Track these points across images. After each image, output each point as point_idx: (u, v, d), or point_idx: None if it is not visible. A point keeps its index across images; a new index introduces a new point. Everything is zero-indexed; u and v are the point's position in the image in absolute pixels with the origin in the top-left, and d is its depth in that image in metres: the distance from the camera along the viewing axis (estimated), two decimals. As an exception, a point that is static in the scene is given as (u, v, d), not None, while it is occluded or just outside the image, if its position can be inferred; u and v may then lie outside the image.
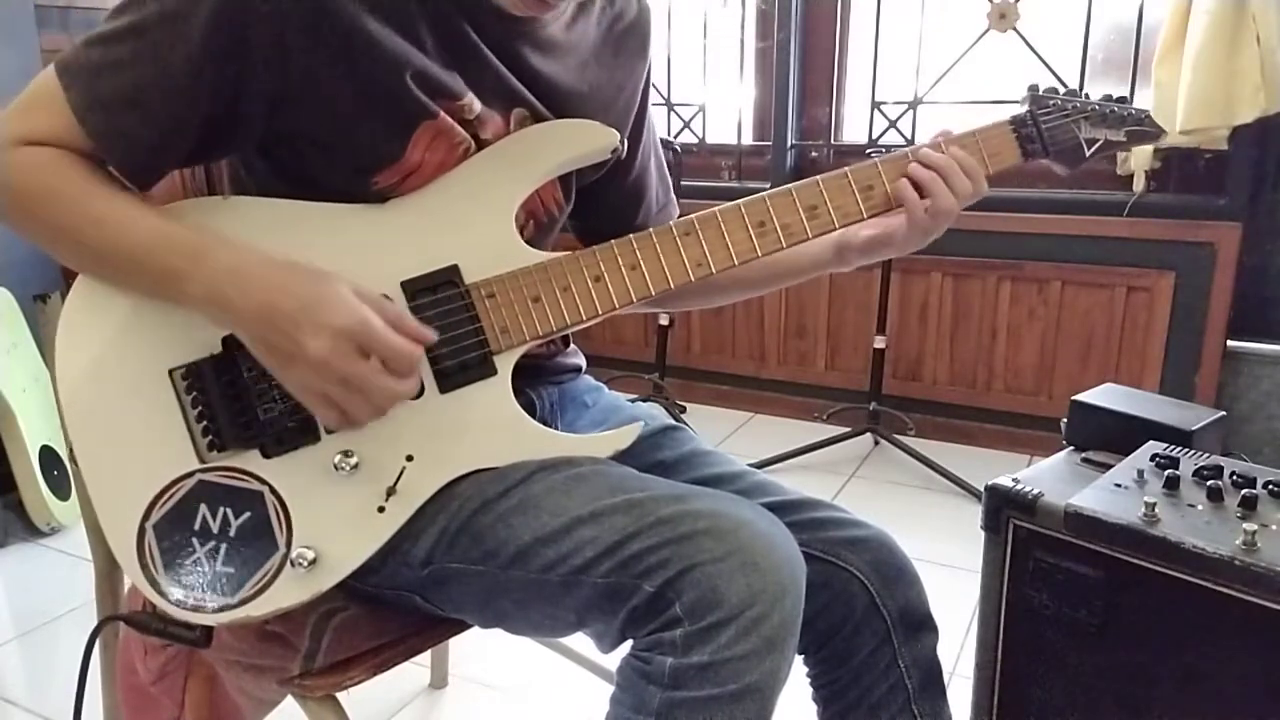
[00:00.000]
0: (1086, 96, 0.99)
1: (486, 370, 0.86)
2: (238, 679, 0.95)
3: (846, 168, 0.92)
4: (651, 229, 0.89)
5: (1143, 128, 1.00)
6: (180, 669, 0.98)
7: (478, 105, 0.86)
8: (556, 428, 1.01)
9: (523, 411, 0.87)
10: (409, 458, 0.84)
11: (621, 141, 0.95)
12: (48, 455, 2.18)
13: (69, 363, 0.82)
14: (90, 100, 0.76)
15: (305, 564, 0.80)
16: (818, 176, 0.91)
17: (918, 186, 0.90)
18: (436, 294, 0.84)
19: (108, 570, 1.05)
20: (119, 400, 0.82)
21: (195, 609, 0.81)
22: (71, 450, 0.83)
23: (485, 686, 1.61)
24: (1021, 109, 0.97)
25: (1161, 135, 1.02)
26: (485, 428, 0.86)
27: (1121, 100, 1.00)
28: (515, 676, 1.63)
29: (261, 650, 0.91)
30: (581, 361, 1.10)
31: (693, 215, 0.89)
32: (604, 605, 0.78)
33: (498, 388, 0.86)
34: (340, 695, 0.91)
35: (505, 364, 0.86)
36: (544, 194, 0.95)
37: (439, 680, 1.62)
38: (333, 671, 0.90)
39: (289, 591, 0.82)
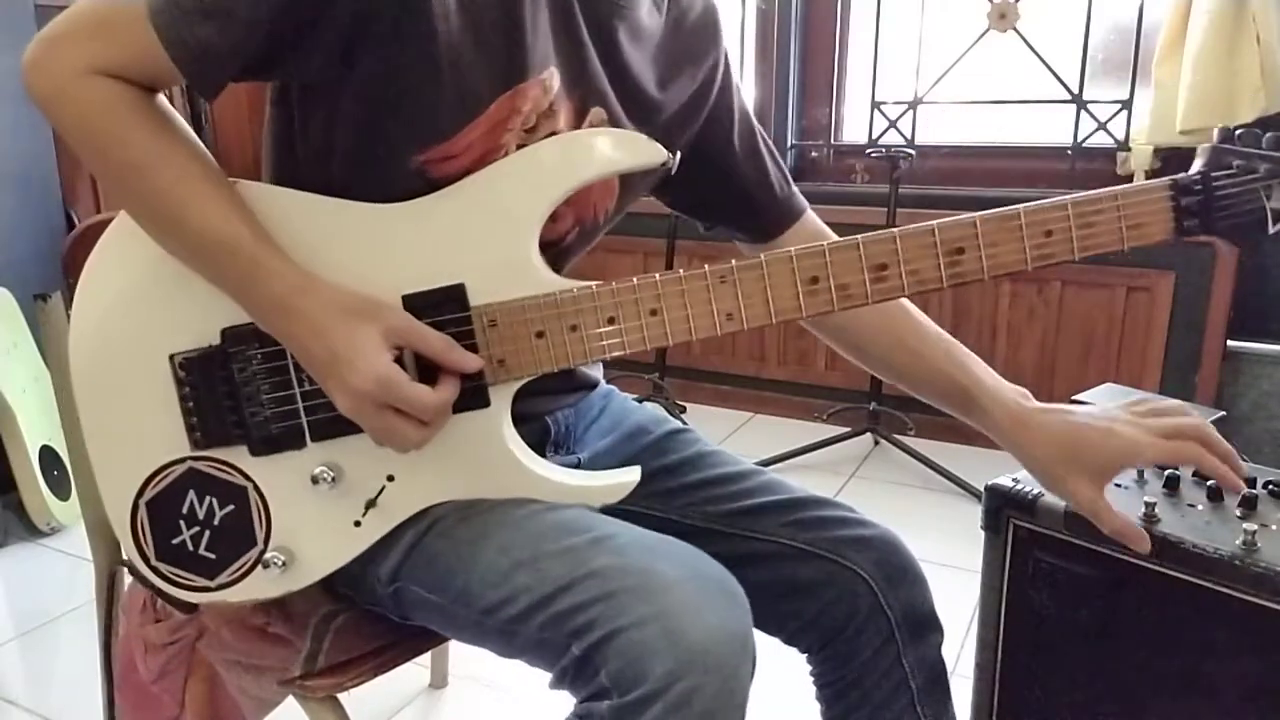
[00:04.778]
0: None
1: (479, 401, 0.81)
2: (238, 679, 0.95)
3: (937, 223, 0.77)
4: (683, 272, 0.79)
5: None
6: (181, 668, 0.98)
7: (557, 82, 0.82)
8: (569, 450, 0.99)
9: (512, 449, 0.83)
10: (390, 478, 0.83)
11: (682, 145, 0.93)
12: (48, 455, 2.18)
13: (83, 329, 0.83)
14: (172, 7, 0.72)
15: (278, 566, 0.83)
16: (896, 230, 0.78)
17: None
18: (437, 313, 0.80)
19: (108, 570, 1.05)
20: (124, 377, 0.83)
21: (177, 585, 0.85)
22: (70, 413, 0.86)
23: (485, 686, 1.61)
24: (1194, 166, 0.78)
25: None
26: (470, 460, 0.83)
27: None
28: (515, 676, 1.63)
29: (262, 651, 0.91)
30: (599, 374, 1.07)
31: (735, 261, 0.79)
32: (540, 658, 0.76)
33: (490, 421, 0.82)
34: (340, 695, 0.91)
35: (501, 396, 0.81)
36: (599, 200, 0.90)
37: (439, 680, 1.62)
38: (333, 672, 0.90)
39: (263, 586, 0.85)
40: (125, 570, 0.92)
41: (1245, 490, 0.87)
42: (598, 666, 0.70)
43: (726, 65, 0.99)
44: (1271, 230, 0.77)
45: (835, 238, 1.02)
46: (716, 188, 1.01)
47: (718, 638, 0.69)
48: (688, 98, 0.95)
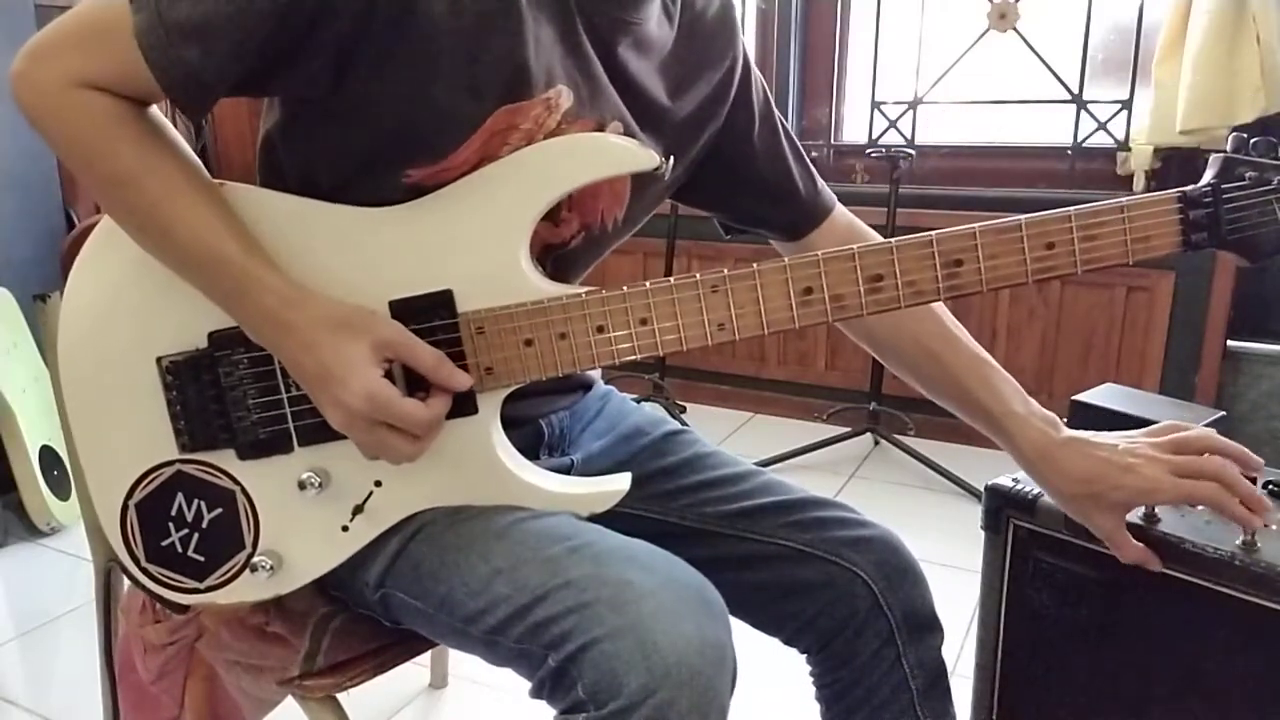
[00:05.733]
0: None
1: (467, 408, 0.80)
2: (237, 679, 0.95)
3: (936, 233, 0.75)
4: (674, 280, 0.78)
5: None
6: (180, 668, 0.98)
7: (567, 99, 0.80)
8: (563, 452, 0.99)
9: (500, 457, 0.82)
10: (377, 483, 0.83)
11: (701, 147, 0.92)
12: (48, 455, 2.18)
13: (71, 331, 0.83)
14: (157, 27, 0.70)
15: (267, 569, 0.83)
16: (893, 240, 0.77)
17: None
18: (424, 319, 0.78)
19: (107, 570, 1.05)
20: (112, 378, 0.83)
21: (167, 586, 0.86)
22: (64, 414, 0.85)
23: (485, 686, 1.61)
24: (1205, 177, 0.75)
25: None
26: (458, 467, 0.82)
27: None
28: (515, 677, 1.62)
29: (261, 651, 0.91)
30: (597, 374, 1.06)
31: (727, 271, 0.78)
32: (519, 668, 0.76)
33: (478, 427, 0.81)
34: (340, 695, 0.91)
35: (489, 403, 0.81)
36: (606, 207, 0.88)
37: (439, 680, 1.62)
38: (333, 672, 0.90)
39: (251, 589, 0.85)
40: (120, 568, 0.92)
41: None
42: (574, 679, 0.70)
43: (745, 64, 0.97)
44: None
45: (869, 233, 1.00)
46: (737, 188, 1.00)
47: (693, 648, 0.68)
48: (703, 101, 0.93)
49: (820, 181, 1.02)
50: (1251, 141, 0.75)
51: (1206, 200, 0.74)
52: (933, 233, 0.76)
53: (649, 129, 0.88)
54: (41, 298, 1.01)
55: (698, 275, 0.78)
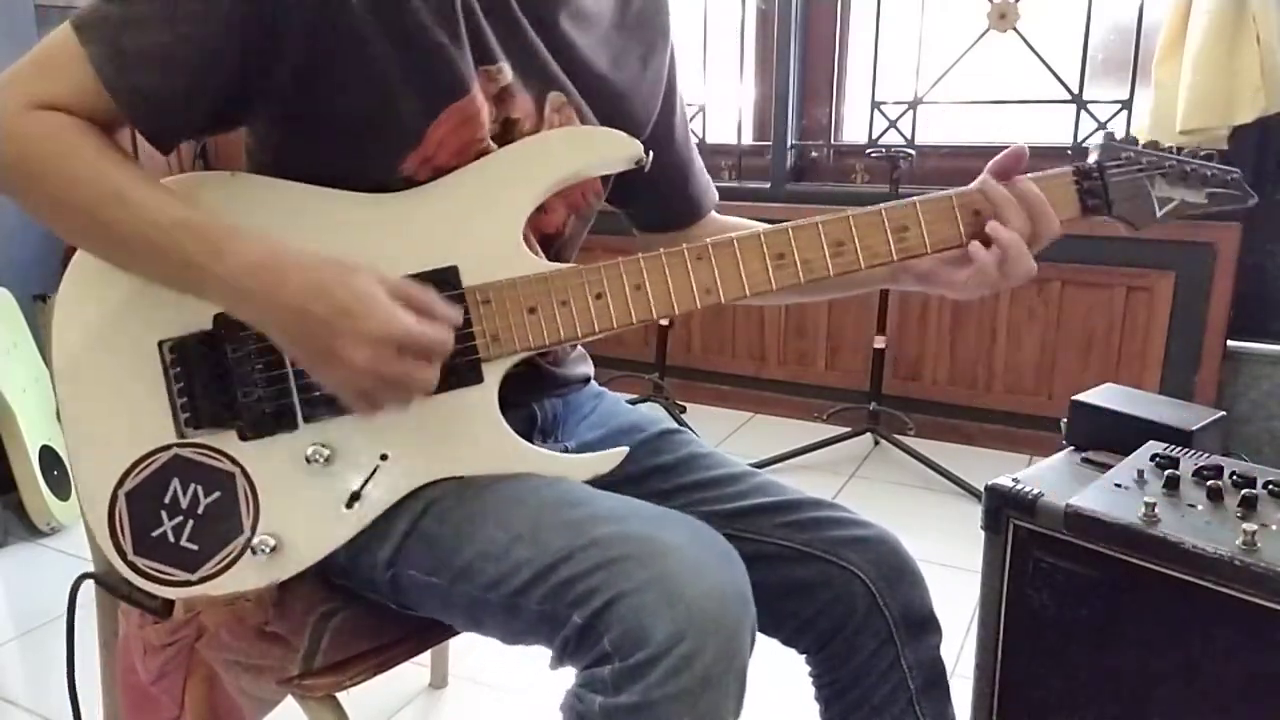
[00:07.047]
0: (1174, 150, 0.91)
1: (473, 377, 0.83)
2: (237, 679, 0.95)
3: (883, 205, 0.87)
4: (663, 250, 0.85)
5: (1228, 190, 0.90)
6: (180, 669, 0.98)
7: (509, 74, 0.84)
8: (556, 439, 1.00)
9: (505, 424, 0.85)
10: (383, 456, 0.83)
11: (649, 131, 0.96)
12: (48, 455, 2.18)
13: (67, 321, 0.83)
14: (112, 57, 0.73)
15: (266, 551, 0.82)
16: (850, 211, 0.87)
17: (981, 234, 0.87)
18: None
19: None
20: (108, 366, 0.83)
21: (156, 580, 0.84)
22: (59, 410, 0.85)
23: (485, 686, 1.61)
24: (1090, 159, 0.91)
25: (1251, 200, 0.91)
26: (464, 436, 0.84)
27: (1209, 157, 0.91)
28: (515, 676, 1.63)
29: (261, 650, 0.91)
30: (589, 370, 1.08)
31: (709, 239, 0.86)
32: (541, 631, 0.77)
33: (483, 396, 0.84)
34: (340, 695, 0.91)
35: (493, 372, 0.84)
36: (585, 186, 0.94)
37: (439, 680, 1.62)
38: (332, 672, 0.90)
39: (248, 576, 0.84)
40: (94, 579, 0.92)
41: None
42: (600, 633, 0.71)
43: (674, 58, 1.03)
44: (1158, 216, 0.91)
45: (752, 224, 1.02)
46: (654, 174, 1.00)
47: (717, 596, 0.71)
48: (647, 79, 0.98)
49: (708, 179, 1.10)
50: (1118, 137, 0.93)
51: (1094, 175, 0.90)
52: (882, 205, 0.87)
53: (593, 98, 0.92)
54: (41, 298, 1.01)
55: (684, 246, 0.85)
